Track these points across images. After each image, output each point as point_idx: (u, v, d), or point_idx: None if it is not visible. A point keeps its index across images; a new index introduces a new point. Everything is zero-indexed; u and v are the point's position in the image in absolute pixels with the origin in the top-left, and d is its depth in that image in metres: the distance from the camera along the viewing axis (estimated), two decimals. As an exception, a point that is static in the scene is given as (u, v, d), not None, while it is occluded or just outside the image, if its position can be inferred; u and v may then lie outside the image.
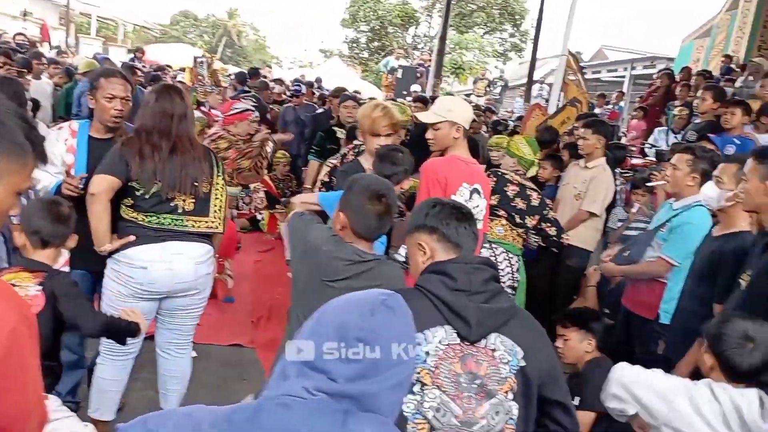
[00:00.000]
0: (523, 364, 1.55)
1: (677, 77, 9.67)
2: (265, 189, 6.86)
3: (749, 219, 2.68)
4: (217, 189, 2.72)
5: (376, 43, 29.34)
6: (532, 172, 3.93)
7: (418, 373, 1.51)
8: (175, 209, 2.59)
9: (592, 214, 4.39)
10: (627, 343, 3.40)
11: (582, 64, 10.90)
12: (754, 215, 2.55)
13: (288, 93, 9.54)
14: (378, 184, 2.11)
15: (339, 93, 6.64)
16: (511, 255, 3.63)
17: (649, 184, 4.45)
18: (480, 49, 27.02)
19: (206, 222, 2.68)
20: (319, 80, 12.71)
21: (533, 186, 3.91)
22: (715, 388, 1.86)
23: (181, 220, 2.61)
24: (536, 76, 15.84)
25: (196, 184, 2.62)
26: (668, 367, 2.69)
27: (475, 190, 2.92)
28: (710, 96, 5.52)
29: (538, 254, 4.37)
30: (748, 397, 1.80)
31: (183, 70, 11.71)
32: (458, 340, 1.53)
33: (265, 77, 10.44)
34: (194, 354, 3.09)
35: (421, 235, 1.66)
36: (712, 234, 2.87)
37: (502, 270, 3.59)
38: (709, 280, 2.72)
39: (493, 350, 1.54)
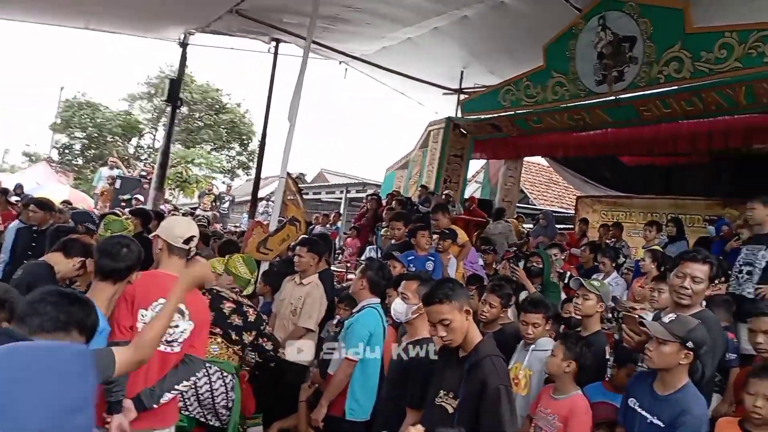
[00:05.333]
0: None
1: (384, 202, 11.04)
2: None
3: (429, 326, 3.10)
4: None
5: (93, 151, 27.29)
6: (248, 291, 4.01)
7: None
8: None
9: (309, 330, 4.60)
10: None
11: (303, 185, 11.81)
12: None
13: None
14: None
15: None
16: (225, 374, 3.56)
17: None
18: (208, 165, 27.08)
19: None
20: (19, 187, 11.26)
21: (250, 303, 3.97)
22: None
23: None
24: (262, 194, 16.46)
25: None
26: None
27: (178, 309, 2.86)
28: (401, 224, 6.60)
29: (256, 370, 4.36)
30: None
31: None
32: None
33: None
34: None
35: None
36: (403, 342, 3.25)
37: (216, 390, 3.49)
38: (401, 384, 3.04)
39: None
